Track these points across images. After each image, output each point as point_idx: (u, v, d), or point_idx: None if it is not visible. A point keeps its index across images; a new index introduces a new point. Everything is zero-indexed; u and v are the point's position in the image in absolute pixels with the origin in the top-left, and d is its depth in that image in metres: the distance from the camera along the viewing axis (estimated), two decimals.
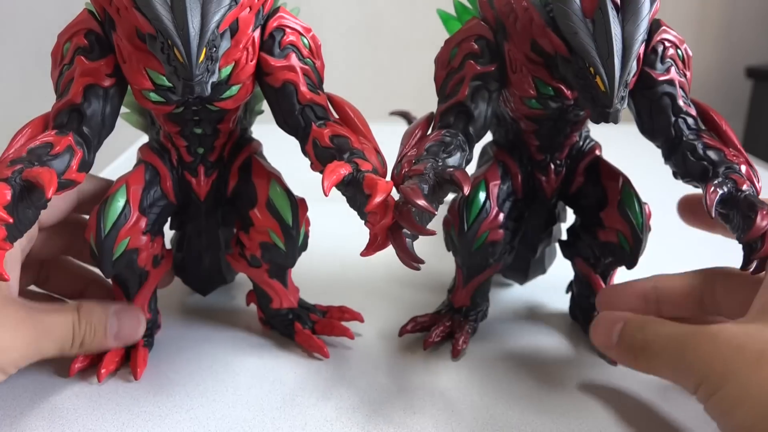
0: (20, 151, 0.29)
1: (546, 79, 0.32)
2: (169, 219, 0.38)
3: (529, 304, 0.45)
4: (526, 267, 0.43)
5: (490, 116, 0.34)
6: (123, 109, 0.35)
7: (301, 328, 0.39)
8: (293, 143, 0.34)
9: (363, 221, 0.30)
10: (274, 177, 0.36)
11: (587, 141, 0.39)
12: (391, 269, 0.49)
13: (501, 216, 0.37)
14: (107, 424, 0.33)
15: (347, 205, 0.31)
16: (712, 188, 0.30)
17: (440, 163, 0.30)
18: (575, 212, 0.40)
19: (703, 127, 0.34)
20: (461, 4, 0.38)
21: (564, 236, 0.41)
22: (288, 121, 0.33)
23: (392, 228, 0.29)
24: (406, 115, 0.60)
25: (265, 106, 0.37)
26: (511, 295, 0.46)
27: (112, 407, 0.34)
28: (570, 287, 0.43)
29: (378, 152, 0.33)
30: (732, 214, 0.31)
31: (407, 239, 0.29)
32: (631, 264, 0.37)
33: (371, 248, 0.30)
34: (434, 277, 0.47)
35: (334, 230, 0.51)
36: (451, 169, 0.29)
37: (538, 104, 0.34)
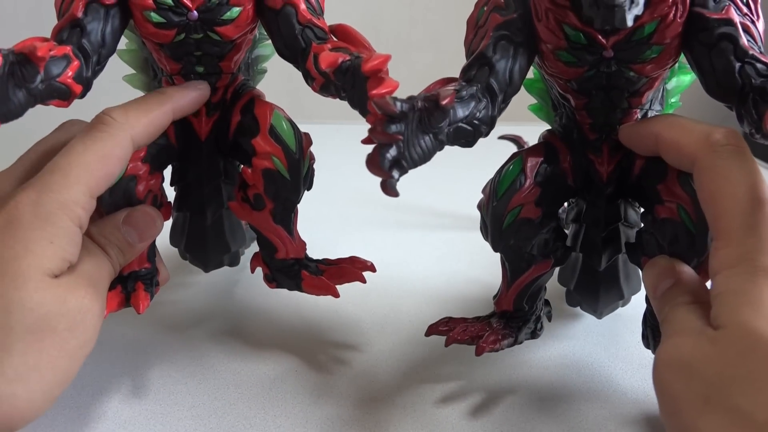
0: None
1: (575, 23, 0.29)
2: (171, 177, 0.38)
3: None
4: (595, 285, 0.36)
5: (517, 72, 0.30)
6: (128, 70, 0.35)
7: (308, 274, 0.37)
8: None
9: (364, 117, 0.29)
10: (276, 108, 0.36)
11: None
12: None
13: (537, 191, 0.33)
14: (109, 422, 0.33)
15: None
16: None
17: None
18: (640, 203, 0.34)
19: None
20: None
21: None
22: (288, 44, 0.33)
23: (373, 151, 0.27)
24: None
25: (267, 64, 0.37)
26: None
27: (114, 405, 0.34)
28: None
29: None
30: None
31: (384, 154, 0.26)
32: (699, 248, 0.30)
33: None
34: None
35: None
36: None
37: (572, 57, 0.30)
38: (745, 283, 0.25)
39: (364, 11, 1.55)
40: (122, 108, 0.31)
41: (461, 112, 0.28)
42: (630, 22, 0.26)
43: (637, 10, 0.26)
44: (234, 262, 0.43)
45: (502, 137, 0.55)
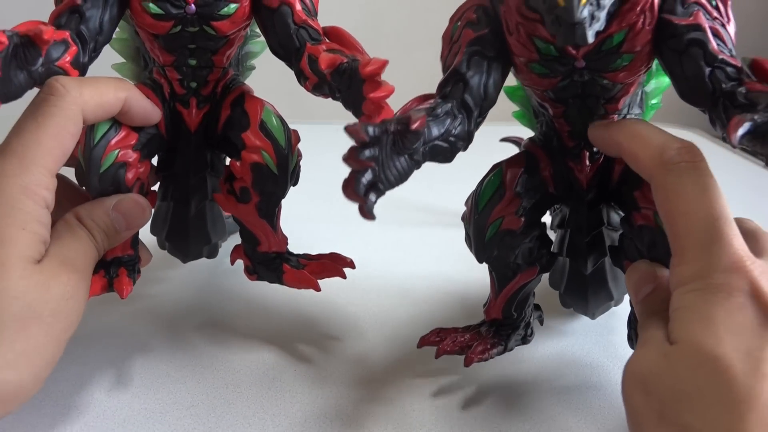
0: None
1: (545, 36, 0.29)
2: (157, 166, 0.38)
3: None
4: (584, 288, 0.37)
5: (492, 86, 0.31)
6: (118, 59, 0.36)
7: (290, 268, 0.38)
8: None
9: (357, 118, 0.31)
10: (267, 104, 0.36)
11: None
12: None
13: (518, 202, 0.33)
14: (108, 421, 0.33)
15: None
16: (737, 119, 0.25)
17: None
18: (620, 208, 0.35)
19: (751, 78, 0.28)
20: None
21: None
22: (283, 43, 0.34)
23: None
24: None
25: (267, 63, 0.38)
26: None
27: (113, 404, 0.34)
28: None
29: None
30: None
31: (360, 179, 0.26)
32: None
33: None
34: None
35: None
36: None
37: (544, 68, 0.30)
38: (696, 300, 0.25)
39: (364, 11, 1.55)
40: (77, 81, 0.31)
41: (436, 130, 0.29)
42: (591, 39, 0.26)
43: (598, 25, 0.26)
44: (212, 254, 0.43)
45: (504, 139, 0.55)
